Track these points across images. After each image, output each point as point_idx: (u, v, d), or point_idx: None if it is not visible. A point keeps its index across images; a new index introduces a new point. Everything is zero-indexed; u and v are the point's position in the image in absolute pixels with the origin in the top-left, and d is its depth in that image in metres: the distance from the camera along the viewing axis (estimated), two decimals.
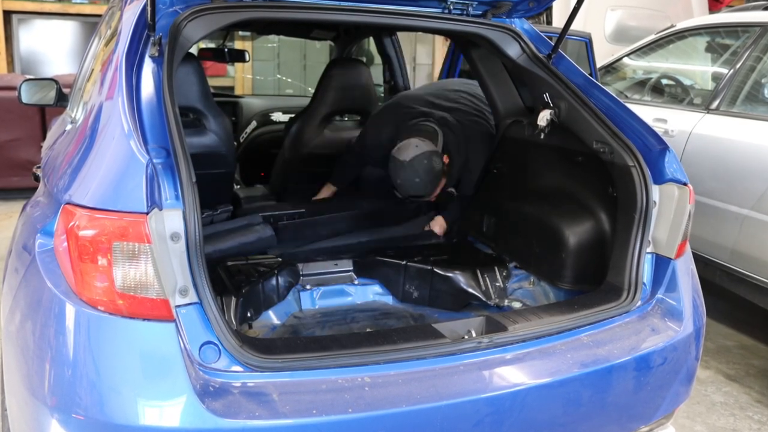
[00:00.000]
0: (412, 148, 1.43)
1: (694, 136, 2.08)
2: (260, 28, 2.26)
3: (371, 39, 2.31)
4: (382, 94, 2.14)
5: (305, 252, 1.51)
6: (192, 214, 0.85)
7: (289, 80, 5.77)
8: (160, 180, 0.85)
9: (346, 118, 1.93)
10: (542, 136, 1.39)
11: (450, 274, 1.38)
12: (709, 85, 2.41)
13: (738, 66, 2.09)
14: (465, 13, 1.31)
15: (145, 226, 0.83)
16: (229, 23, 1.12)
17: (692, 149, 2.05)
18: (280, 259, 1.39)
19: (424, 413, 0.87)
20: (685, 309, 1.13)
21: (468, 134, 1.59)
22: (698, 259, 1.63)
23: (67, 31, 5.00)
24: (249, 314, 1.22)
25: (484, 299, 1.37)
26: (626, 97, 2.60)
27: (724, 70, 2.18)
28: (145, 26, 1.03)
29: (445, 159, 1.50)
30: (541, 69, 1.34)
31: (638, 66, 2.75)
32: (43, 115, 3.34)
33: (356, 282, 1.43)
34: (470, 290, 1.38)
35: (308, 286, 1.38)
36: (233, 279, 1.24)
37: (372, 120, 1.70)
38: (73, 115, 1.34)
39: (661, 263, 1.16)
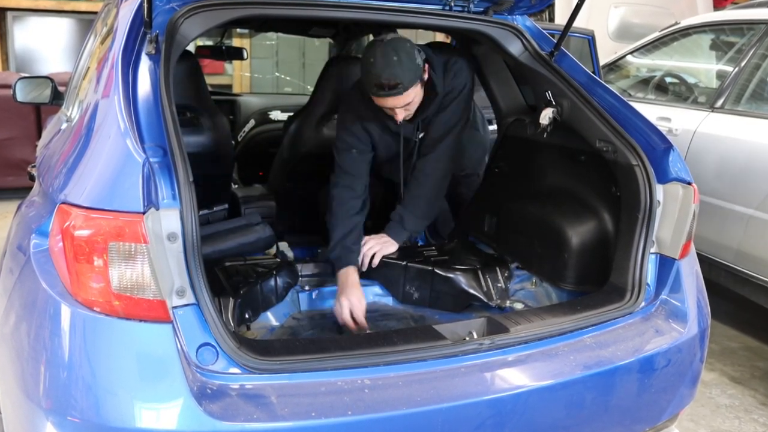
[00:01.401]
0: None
1: (699, 134, 2.06)
2: (258, 25, 2.24)
3: (371, 36, 2.29)
4: None
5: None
6: (189, 213, 0.84)
7: (288, 78, 5.75)
8: (156, 179, 0.84)
9: None
10: (545, 135, 1.38)
11: (451, 275, 1.37)
12: (714, 84, 2.39)
13: (743, 64, 2.07)
14: (466, 10, 1.29)
15: (141, 226, 0.82)
16: (227, 20, 1.10)
17: (696, 148, 2.04)
18: (278, 260, 1.38)
19: (424, 416, 0.86)
20: (689, 310, 1.12)
21: (460, 72, 1.33)
22: (703, 259, 1.63)
23: (62, 28, 4.99)
24: (247, 315, 1.21)
25: (485, 300, 1.36)
26: (630, 95, 2.58)
27: (729, 68, 2.15)
28: (141, 23, 1.02)
29: (425, 67, 1.25)
30: (543, 67, 1.32)
31: (642, 64, 2.73)
32: (38, 114, 3.32)
33: None
34: (471, 291, 1.36)
35: (307, 287, 1.37)
36: (231, 280, 1.23)
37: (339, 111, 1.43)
38: (68, 114, 1.32)
39: (665, 264, 1.15)
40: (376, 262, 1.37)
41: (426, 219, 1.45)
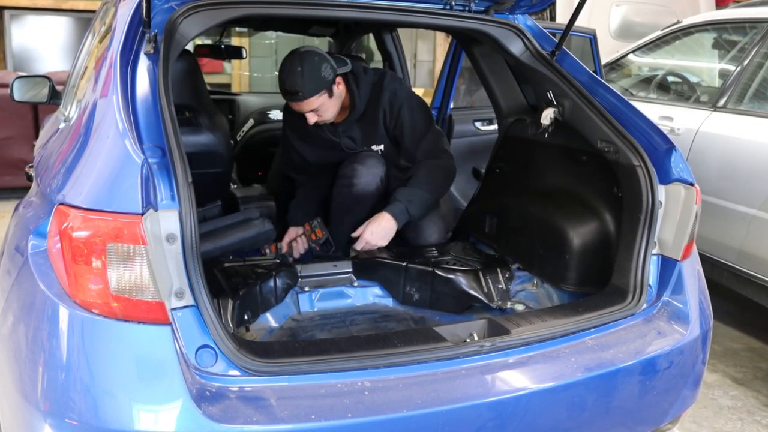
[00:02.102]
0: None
1: (701, 134, 2.05)
2: (258, 24, 2.23)
3: (371, 35, 2.28)
4: None
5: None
6: (188, 214, 0.84)
7: None
8: (155, 180, 0.84)
9: None
10: (546, 135, 1.37)
11: (451, 276, 1.36)
12: (716, 83, 2.38)
13: (746, 63, 2.05)
14: (467, 9, 1.29)
15: (140, 227, 0.81)
16: (226, 19, 1.10)
17: (699, 148, 2.02)
18: (278, 261, 1.37)
19: (425, 418, 0.86)
20: (691, 312, 1.12)
21: (396, 90, 1.46)
22: (705, 260, 1.62)
23: (60, 27, 4.97)
24: (246, 317, 1.20)
25: (486, 301, 1.35)
26: (631, 94, 2.57)
27: (732, 67, 2.14)
28: (140, 23, 1.01)
29: (338, 81, 1.40)
30: (544, 66, 1.32)
31: (644, 63, 2.72)
32: (35, 113, 3.29)
33: (356, 284, 1.40)
34: (472, 292, 1.35)
35: (307, 288, 1.36)
36: (230, 281, 1.22)
37: None
38: (66, 113, 1.32)
39: (667, 265, 1.14)
40: (371, 245, 1.38)
41: (426, 208, 1.44)
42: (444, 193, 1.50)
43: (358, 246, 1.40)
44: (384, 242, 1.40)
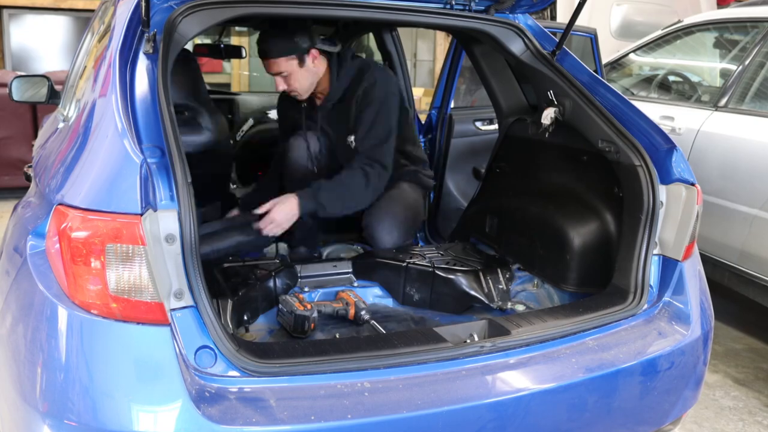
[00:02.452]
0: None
1: (702, 134, 2.04)
2: (257, 23, 2.23)
3: (371, 35, 2.28)
4: None
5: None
6: (187, 215, 0.84)
7: None
8: (154, 180, 0.83)
9: None
10: (546, 135, 1.37)
11: (452, 276, 1.36)
12: (718, 82, 2.38)
13: (747, 62, 2.05)
14: (467, 8, 1.28)
15: (139, 227, 0.81)
16: (225, 19, 1.10)
17: (700, 147, 2.02)
18: (278, 261, 1.37)
19: (425, 419, 0.86)
20: (692, 312, 1.11)
21: (375, 82, 1.40)
22: (706, 260, 1.61)
23: (59, 26, 4.96)
24: (246, 318, 1.20)
25: (486, 302, 1.35)
26: (632, 94, 2.57)
27: (733, 67, 2.14)
28: (139, 22, 1.01)
29: (315, 54, 1.38)
30: (545, 66, 1.31)
31: (645, 62, 2.71)
32: (34, 113, 3.30)
33: (356, 284, 1.40)
34: (472, 293, 1.35)
35: (306, 289, 1.36)
36: (230, 281, 1.22)
37: None
38: (65, 113, 1.31)
39: (668, 265, 1.14)
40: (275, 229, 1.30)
41: (340, 203, 1.37)
42: (364, 200, 1.40)
43: (264, 226, 1.28)
44: (284, 226, 1.31)
